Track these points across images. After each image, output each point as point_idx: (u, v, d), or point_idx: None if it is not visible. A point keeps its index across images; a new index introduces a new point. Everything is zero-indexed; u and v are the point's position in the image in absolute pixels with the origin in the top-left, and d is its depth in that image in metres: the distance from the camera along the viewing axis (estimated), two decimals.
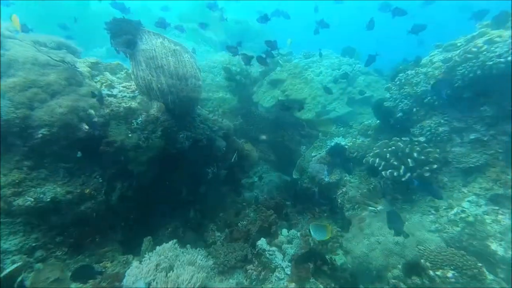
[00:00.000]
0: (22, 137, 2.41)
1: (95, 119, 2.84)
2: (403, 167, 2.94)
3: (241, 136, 7.11)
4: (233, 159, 4.39)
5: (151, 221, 3.92)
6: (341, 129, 5.63)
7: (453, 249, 2.40)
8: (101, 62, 3.58)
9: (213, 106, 8.02)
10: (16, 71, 2.49)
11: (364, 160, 3.54)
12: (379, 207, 3.18)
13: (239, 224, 4.13)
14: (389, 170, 3.04)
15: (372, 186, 3.32)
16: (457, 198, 2.75)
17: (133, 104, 3.37)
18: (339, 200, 3.72)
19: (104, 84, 3.37)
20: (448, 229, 2.59)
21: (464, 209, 2.63)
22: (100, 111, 2.96)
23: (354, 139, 4.47)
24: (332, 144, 4.86)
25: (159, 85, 3.31)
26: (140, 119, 3.36)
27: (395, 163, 3.04)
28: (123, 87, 3.62)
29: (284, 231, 4.17)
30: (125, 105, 3.23)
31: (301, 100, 6.99)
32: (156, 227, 3.92)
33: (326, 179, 3.94)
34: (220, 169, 4.93)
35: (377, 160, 3.22)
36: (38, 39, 3.15)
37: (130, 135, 3.21)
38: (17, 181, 2.31)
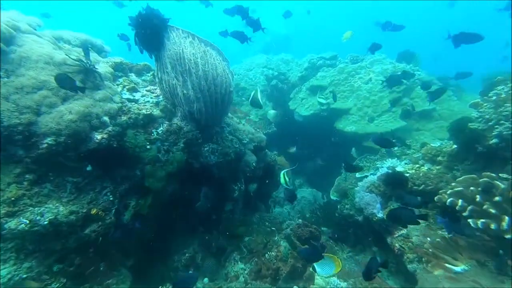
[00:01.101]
0: (25, 147, 2.09)
1: (109, 128, 2.47)
2: (507, 218, 2.07)
3: (274, 146, 6.51)
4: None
5: (169, 242, 3.50)
6: (395, 148, 4.71)
7: None
8: (125, 62, 3.24)
9: (245, 112, 7.55)
10: (27, 70, 2.20)
11: (436, 198, 2.69)
12: (462, 267, 2.32)
13: (266, 255, 3.51)
14: (482, 220, 2.18)
15: (450, 235, 2.46)
16: None
17: (155, 111, 2.96)
18: (396, 244, 2.90)
19: (127, 87, 3.02)
20: None
21: None
22: (116, 119, 2.58)
23: (416, 165, 3.58)
24: (385, 168, 3.99)
25: (184, 91, 2.86)
26: (161, 128, 2.94)
27: (492, 210, 2.17)
28: (147, 90, 3.25)
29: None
30: (145, 112, 2.83)
31: (345, 110, 6.18)
32: (173, 250, 3.47)
33: (380, 215, 3.13)
34: (248, 185, 4.39)
35: (460, 201, 2.37)
36: (62, 35, 2.91)
37: (148, 146, 2.80)
38: (13, 198, 1.99)
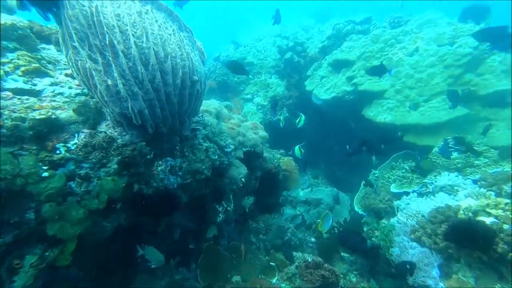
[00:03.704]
0: None
1: None
2: None
3: (285, 136, 5.15)
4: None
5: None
6: (455, 154, 3.17)
7: None
8: (23, 25, 1.96)
9: (251, 94, 6.13)
10: None
11: None
12: None
13: None
14: None
15: None
16: None
17: (63, 113, 1.75)
18: None
19: (23, 68, 1.81)
20: None
21: None
22: None
23: (499, 198, 2.11)
24: (439, 188, 2.56)
25: (109, 82, 1.59)
26: (75, 141, 1.74)
27: None
28: (68, 75, 2.03)
29: None
30: (38, 116, 1.62)
31: (378, 92, 4.58)
32: None
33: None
34: (241, 200, 3.22)
35: None
36: None
37: (46, 173, 1.64)
38: None
